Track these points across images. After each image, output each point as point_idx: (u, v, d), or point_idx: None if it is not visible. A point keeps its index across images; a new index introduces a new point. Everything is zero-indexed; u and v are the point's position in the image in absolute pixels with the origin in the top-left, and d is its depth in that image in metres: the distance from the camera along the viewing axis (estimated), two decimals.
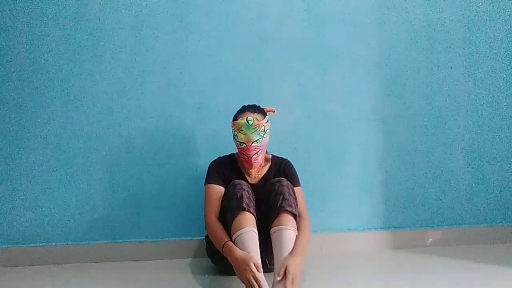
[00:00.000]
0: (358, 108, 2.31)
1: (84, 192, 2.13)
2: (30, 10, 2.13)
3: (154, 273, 1.92)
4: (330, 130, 2.28)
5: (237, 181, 1.74)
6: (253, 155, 1.77)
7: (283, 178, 1.75)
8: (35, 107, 2.13)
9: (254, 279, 1.47)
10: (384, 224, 2.30)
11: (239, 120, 1.79)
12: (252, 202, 1.69)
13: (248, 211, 1.64)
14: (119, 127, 2.16)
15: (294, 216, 1.66)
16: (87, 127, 2.15)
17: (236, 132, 1.79)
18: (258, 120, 1.78)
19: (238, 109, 1.87)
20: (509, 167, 2.39)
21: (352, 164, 2.29)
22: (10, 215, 2.10)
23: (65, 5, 2.15)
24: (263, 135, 1.78)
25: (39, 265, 2.06)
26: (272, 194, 1.69)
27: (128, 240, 2.14)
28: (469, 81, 2.39)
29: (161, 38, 2.20)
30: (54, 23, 2.14)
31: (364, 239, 2.25)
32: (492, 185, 2.38)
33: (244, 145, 1.77)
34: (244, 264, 1.50)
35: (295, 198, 1.72)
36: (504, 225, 2.37)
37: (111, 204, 2.14)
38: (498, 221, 2.38)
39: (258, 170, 1.84)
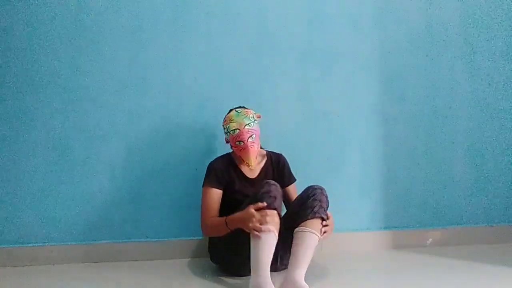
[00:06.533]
0: (358, 108, 2.31)
1: (84, 192, 2.13)
2: (30, 10, 2.13)
3: (154, 273, 1.92)
4: (330, 130, 2.28)
5: (273, 182, 1.72)
6: (248, 138, 1.84)
7: (323, 188, 1.77)
8: (35, 107, 2.12)
9: (259, 222, 1.60)
10: (384, 224, 2.30)
11: (228, 114, 1.92)
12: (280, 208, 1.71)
13: (279, 213, 1.67)
14: (119, 127, 2.16)
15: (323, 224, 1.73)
16: (87, 127, 2.15)
17: (228, 125, 1.88)
18: (246, 109, 1.92)
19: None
20: (509, 166, 2.40)
21: (352, 164, 2.29)
22: (10, 215, 2.09)
23: (65, 5, 2.15)
24: (253, 120, 1.88)
25: (39, 265, 2.06)
26: (311, 197, 1.72)
27: (128, 240, 2.14)
28: (469, 81, 2.39)
29: (161, 38, 2.20)
30: (54, 23, 2.14)
31: (364, 239, 2.25)
32: (492, 185, 2.38)
33: (237, 130, 1.84)
34: (247, 216, 1.62)
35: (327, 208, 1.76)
36: (504, 225, 2.37)
37: (111, 204, 2.14)
38: (498, 221, 2.38)
39: (255, 158, 1.88)
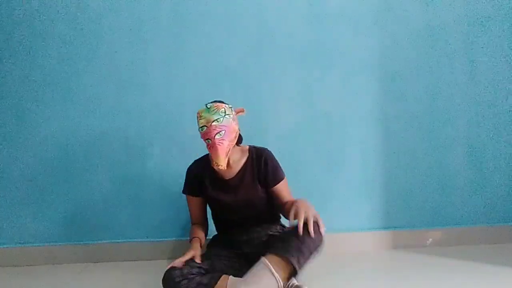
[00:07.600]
0: (358, 108, 2.31)
1: (84, 192, 2.13)
2: (30, 10, 2.13)
3: (154, 273, 1.92)
4: (330, 130, 2.28)
5: (168, 275, 1.50)
6: (215, 135, 1.63)
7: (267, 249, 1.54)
8: (35, 107, 2.13)
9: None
10: (384, 224, 2.30)
11: (199, 109, 1.70)
12: (198, 270, 1.54)
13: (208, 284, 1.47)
14: (119, 127, 2.16)
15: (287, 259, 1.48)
16: (87, 127, 2.15)
17: (198, 122, 1.68)
18: (219, 103, 1.69)
19: None
20: (509, 167, 2.39)
21: (352, 164, 2.29)
22: (10, 215, 2.10)
23: (65, 5, 2.15)
24: (224, 115, 1.65)
25: (39, 265, 2.06)
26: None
27: (128, 240, 2.14)
28: (469, 81, 2.39)
29: (161, 37, 2.20)
30: (54, 23, 2.15)
31: (364, 239, 2.25)
32: (492, 185, 2.38)
33: (205, 127, 1.65)
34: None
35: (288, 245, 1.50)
36: (504, 225, 2.37)
37: (111, 204, 2.14)
38: (498, 221, 2.38)
39: (225, 157, 1.66)
